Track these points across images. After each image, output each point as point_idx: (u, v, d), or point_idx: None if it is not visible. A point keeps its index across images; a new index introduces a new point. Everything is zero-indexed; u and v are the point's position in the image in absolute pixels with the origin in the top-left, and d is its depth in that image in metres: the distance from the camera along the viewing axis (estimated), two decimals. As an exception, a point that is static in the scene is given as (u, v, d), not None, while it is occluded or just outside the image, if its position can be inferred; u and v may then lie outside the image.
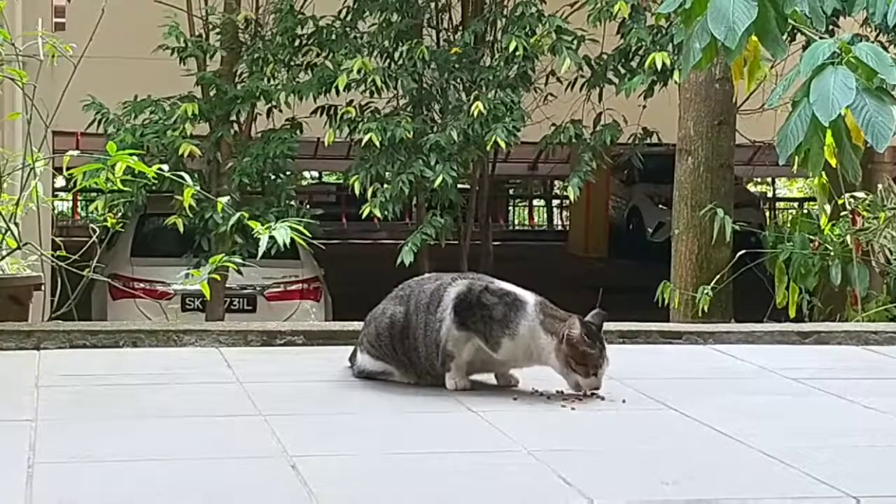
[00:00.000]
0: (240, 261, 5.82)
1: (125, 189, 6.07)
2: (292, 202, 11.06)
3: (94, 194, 12.32)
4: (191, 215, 9.59)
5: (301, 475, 3.19)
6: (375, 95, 10.79)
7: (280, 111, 10.98)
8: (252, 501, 3.03)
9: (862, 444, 3.67)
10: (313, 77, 10.75)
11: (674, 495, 3.11)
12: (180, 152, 10.31)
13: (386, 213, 10.45)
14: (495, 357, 4.12)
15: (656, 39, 10.52)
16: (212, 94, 10.91)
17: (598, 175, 11.50)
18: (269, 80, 10.80)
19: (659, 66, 10.18)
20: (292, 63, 10.98)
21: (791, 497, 3.13)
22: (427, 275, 4.38)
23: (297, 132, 11.10)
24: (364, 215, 10.68)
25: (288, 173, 11.18)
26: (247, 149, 10.83)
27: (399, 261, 10.20)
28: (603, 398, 4.09)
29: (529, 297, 4.12)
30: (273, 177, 11.03)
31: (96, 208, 9.81)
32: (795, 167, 4.97)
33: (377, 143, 10.40)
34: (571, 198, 10.86)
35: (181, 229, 10.26)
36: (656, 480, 3.21)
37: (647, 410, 4.02)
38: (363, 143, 10.55)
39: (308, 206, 12.61)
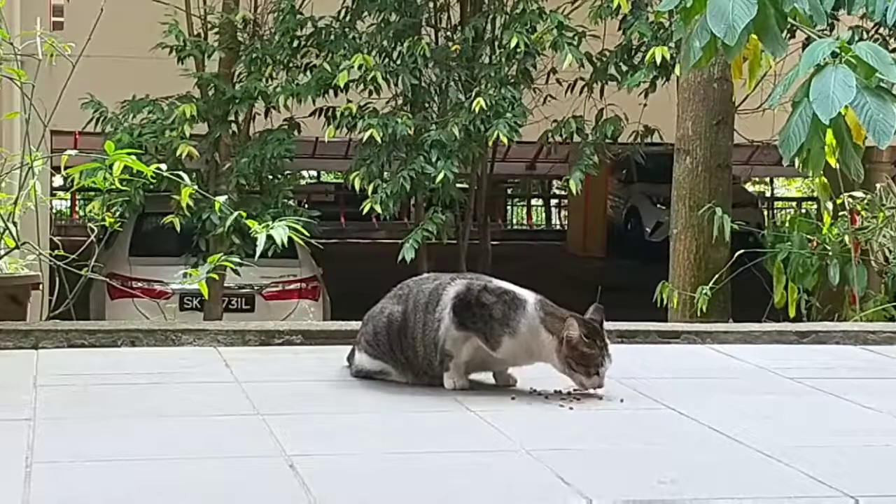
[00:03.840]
0: (238, 260, 5.81)
1: (123, 189, 6.05)
2: (290, 202, 11.05)
3: (92, 194, 12.32)
4: (188, 215, 9.59)
5: (299, 475, 3.18)
6: (375, 95, 10.79)
7: (279, 111, 10.98)
8: (250, 501, 3.03)
9: (860, 443, 3.67)
10: (312, 79, 10.74)
11: (671, 495, 3.11)
12: (178, 153, 10.30)
13: (386, 209, 10.45)
14: (495, 356, 4.11)
15: (658, 35, 10.51)
16: (210, 93, 10.90)
17: (598, 171, 11.49)
18: (267, 81, 10.80)
19: (659, 60, 10.16)
20: (291, 64, 10.97)
21: (789, 497, 3.13)
22: (425, 274, 4.37)
23: (295, 132, 11.10)
24: (364, 212, 10.69)
25: (286, 174, 11.18)
26: (245, 149, 10.82)
27: (399, 259, 10.23)
28: (601, 397, 4.08)
29: (529, 296, 4.12)
30: (271, 177, 11.03)
31: (93, 208, 9.80)
32: (800, 168, 4.96)
33: (378, 139, 10.40)
34: (574, 191, 10.78)
35: (178, 228, 10.26)
36: (654, 480, 3.21)
37: (645, 410, 4.02)
38: (364, 140, 10.55)
39: (306, 206, 12.60)
